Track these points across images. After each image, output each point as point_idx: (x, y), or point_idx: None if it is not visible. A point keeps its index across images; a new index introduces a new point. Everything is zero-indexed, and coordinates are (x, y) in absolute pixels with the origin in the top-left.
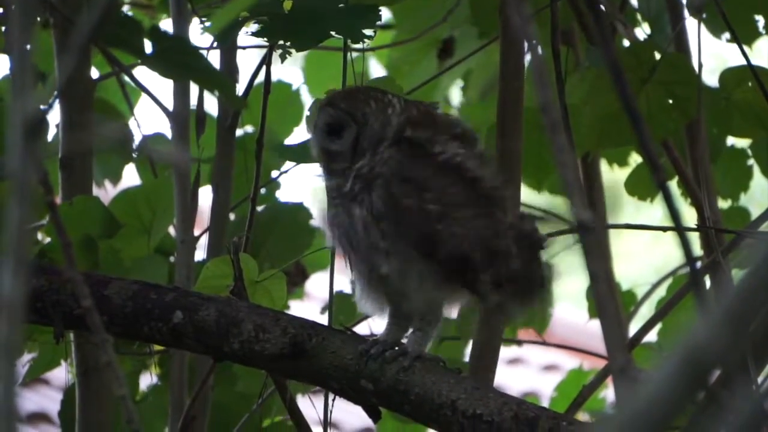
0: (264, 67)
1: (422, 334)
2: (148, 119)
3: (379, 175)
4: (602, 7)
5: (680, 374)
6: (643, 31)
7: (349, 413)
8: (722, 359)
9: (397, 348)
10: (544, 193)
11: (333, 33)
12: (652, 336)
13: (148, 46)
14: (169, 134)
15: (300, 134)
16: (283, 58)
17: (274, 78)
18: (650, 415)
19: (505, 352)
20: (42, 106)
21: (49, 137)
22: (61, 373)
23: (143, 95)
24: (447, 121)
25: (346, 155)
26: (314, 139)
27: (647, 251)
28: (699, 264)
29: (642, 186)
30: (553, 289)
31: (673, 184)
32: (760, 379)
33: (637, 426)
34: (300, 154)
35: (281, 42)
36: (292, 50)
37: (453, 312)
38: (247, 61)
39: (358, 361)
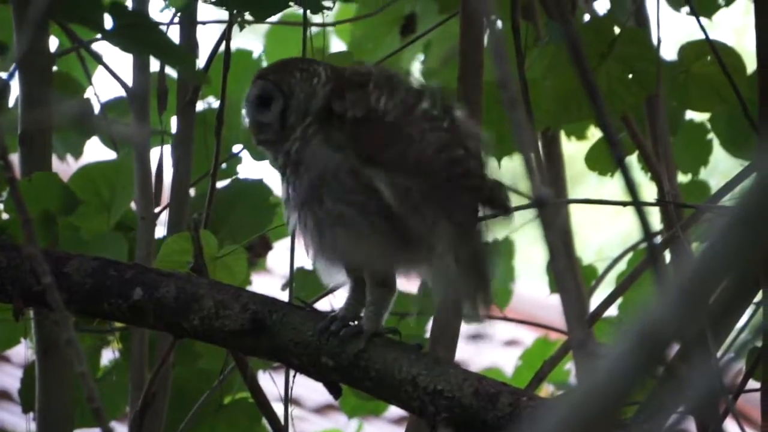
0: (224, 42)
1: (376, 307)
2: (108, 93)
3: (301, 161)
4: None
5: (638, 349)
6: (603, 6)
7: (310, 390)
8: (680, 334)
9: (355, 323)
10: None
11: (291, 3)
12: (613, 310)
13: (108, 21)
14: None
15: None
16: (241, 27)
17: (234, 49)
18: (608, 389)
19: (467, 327)
20: (2, 75)
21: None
22: (21, 351)
23: (102, 69)
24: (383, 78)
25: (274, 127)
26: (246, 111)
27: (612, 220)
28: (658, 238)
29: (602, 161)
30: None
31: (633, 159)
32: (718, 354)
33: (595, 400)
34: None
35: (240, 12)
36: (252, 20)
37: (414, 288)
38: (207, 37)
39: (318, 337)
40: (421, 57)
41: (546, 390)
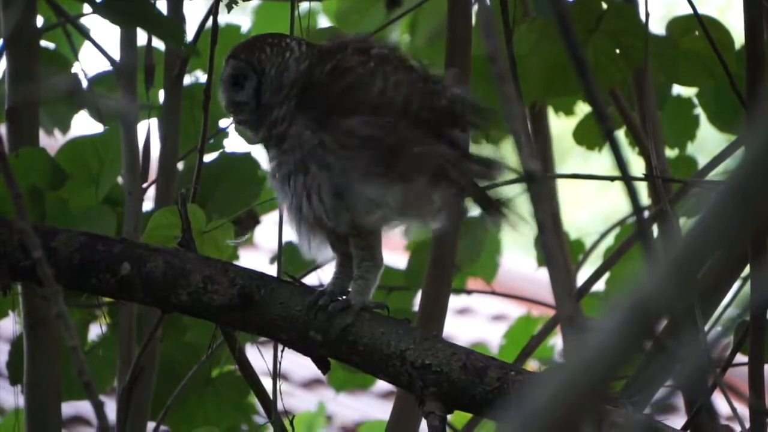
0: (211, 17)
1: (363, 281)
2: (95, 68)
3: (284, 138)
4: None
5: (627, 323)
6: None
7: (298, 365)
8: (669, 309)
9: (343, 297)
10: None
11: None
12: (600, 285)
13: None
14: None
15: None
16: (229, 7)
17: (223, 24)
18: (598, 363)
19: (454, 301)
20: None
21: None
22: (9, 325)
23: (89, 45)
24: (363, 45)
25: (250, 106)
26: (221, 92)
27: (596, 198)
28: (646, 213)
29: (590, 136)
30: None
31: (621, 134)
32: (706, 329)
33: (584, 375)
34: None
35: None
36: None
37: (401, 263)
38: (194, 13)
39: (306, 312)
40: (406, 32)
41: (531, 366)
